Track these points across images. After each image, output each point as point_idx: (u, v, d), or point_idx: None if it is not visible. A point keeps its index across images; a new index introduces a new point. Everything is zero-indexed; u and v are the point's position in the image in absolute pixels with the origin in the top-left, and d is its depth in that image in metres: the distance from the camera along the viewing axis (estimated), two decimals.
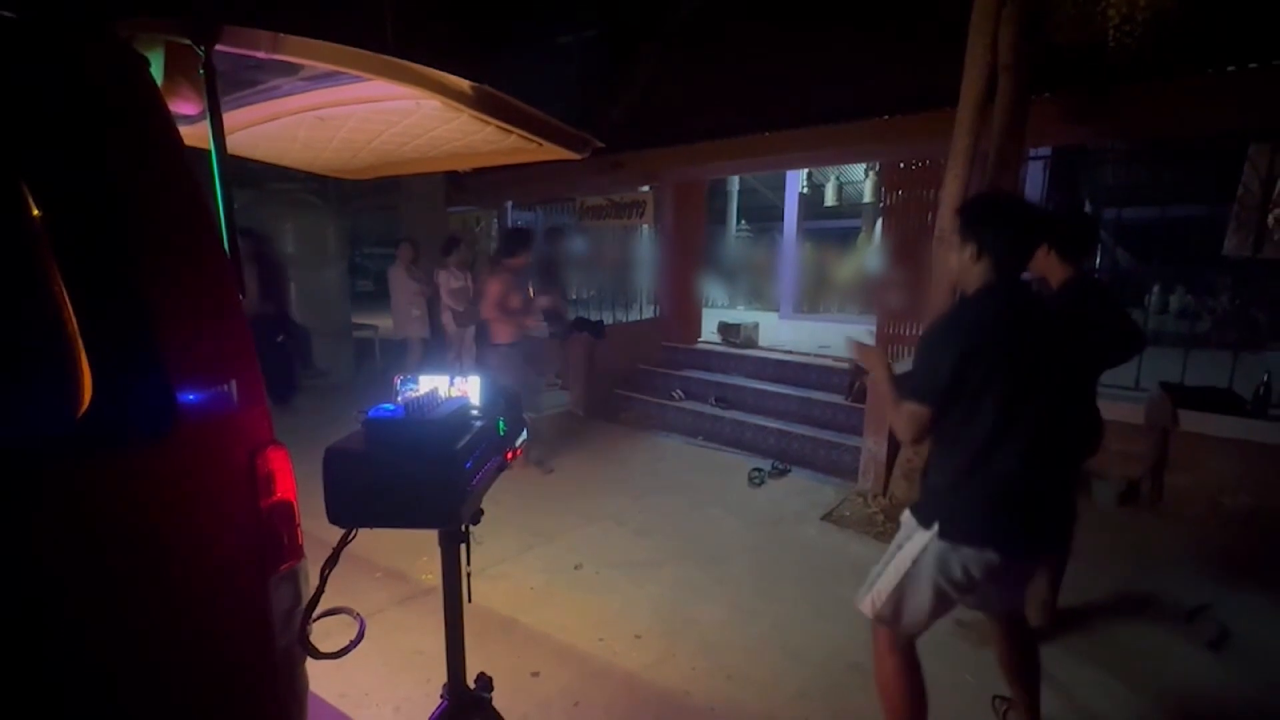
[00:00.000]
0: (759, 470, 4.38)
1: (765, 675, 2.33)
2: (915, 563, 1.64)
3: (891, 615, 1.69)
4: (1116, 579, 3.01)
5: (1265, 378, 3.63)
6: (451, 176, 7.48)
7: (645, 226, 7.17)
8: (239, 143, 2.26)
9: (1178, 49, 3.22)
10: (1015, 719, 2.00)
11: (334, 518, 1.00)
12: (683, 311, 6.62)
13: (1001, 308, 1.59)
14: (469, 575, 1.24)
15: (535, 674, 2.30)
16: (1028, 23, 2.98)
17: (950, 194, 3.24)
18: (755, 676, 2.33)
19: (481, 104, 1.74)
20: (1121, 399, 3.88)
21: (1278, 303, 6.07)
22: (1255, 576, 3.01)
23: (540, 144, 2.11)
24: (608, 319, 6.55)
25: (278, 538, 1.22)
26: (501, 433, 1.19)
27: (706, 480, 4.35)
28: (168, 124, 1.09)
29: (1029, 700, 1.88)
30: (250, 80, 1.85)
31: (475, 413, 1.14)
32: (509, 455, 1.22)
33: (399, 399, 1.09)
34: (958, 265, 1.67)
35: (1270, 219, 3.61)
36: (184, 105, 1.44)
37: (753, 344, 6.25)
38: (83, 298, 0.95)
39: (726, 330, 6.39)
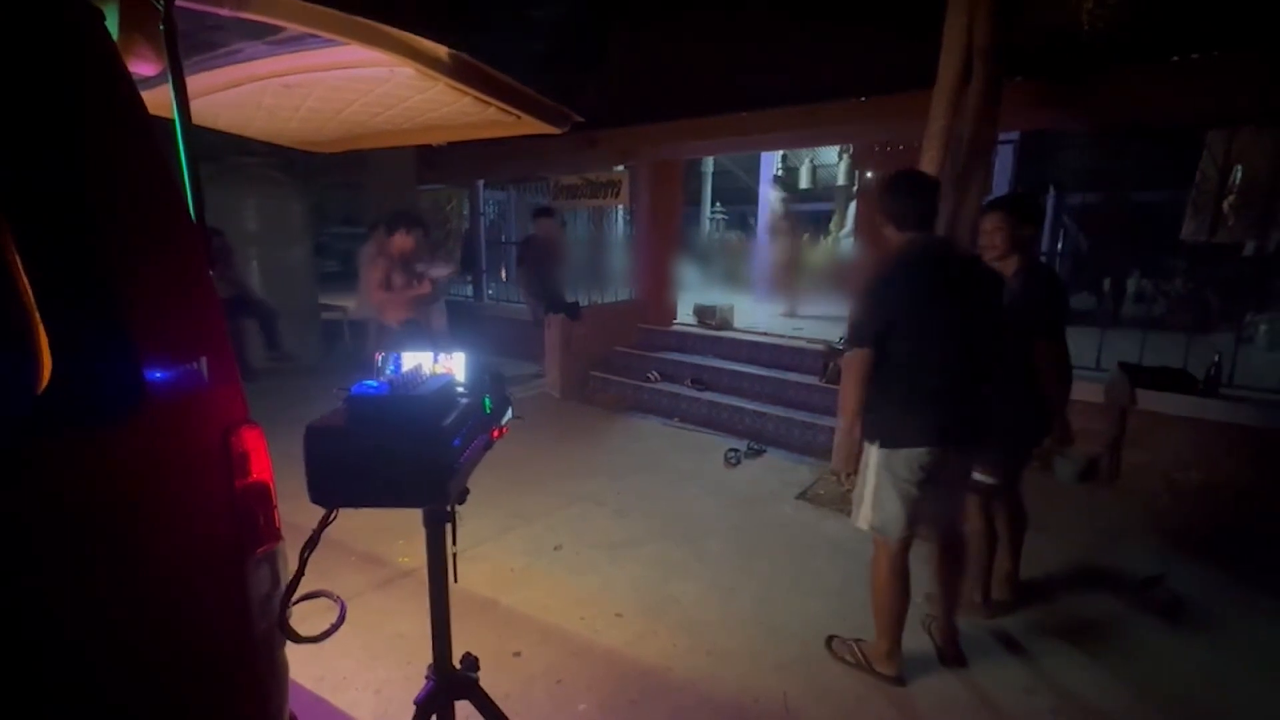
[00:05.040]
0: (735, 450, 4.42)
1: (745, 650, 2.37)
2: (876, 474, 2.08)
3: (881, 523, 2.10)
4: (1076, 552, 3.14)
5: (1216, 358, 3.78)
6: (422, 153, 7.27)
7: (620, 207, 7.10)
8: (198, 111, 2.13)
9: (1148, 35, 3.29)
10: (937, 627, 2.34)
11: (316, 498, 0.97)
12: (658, 293, 6.60)
13: (917, 262, 2.04)
14: (455, 555, 1.22)
15: (517, 653, 2.30)
16: (1004, 5, 3.00)
17: None
18: (735, 651, 2.36)
19: (458, 73, 1.69)
20: (1082, 378, 4.00)
21: (1229, 286, 6.33)
22: (1204, 548, 3.17)
23: (518, 117, 2.06)
24: (582, 300, 6.50)
25: (254, 520, 1.18)
26: (488, 410, 1.16)
27: (683, 461, 4.38)
28: (128, 83, 1.02)
29: (948, 606, 2.29)
30: (210, 42, 1.75)
31: (460, 390, 1.12)
32: (495, 433, 1.20)
33: (381, 376, 1.06)
34: (886, 234, 2.14)
35: (1225, 205, 3.74)
36: (140, 66, 1.35)
37: (728, 326, 6.27)
38: (39, 268, 0.89)
39: (702, 312, 6.40)
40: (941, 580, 2.28)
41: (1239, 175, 3.64)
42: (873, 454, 2.10)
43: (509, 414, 1.30)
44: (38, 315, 0.88)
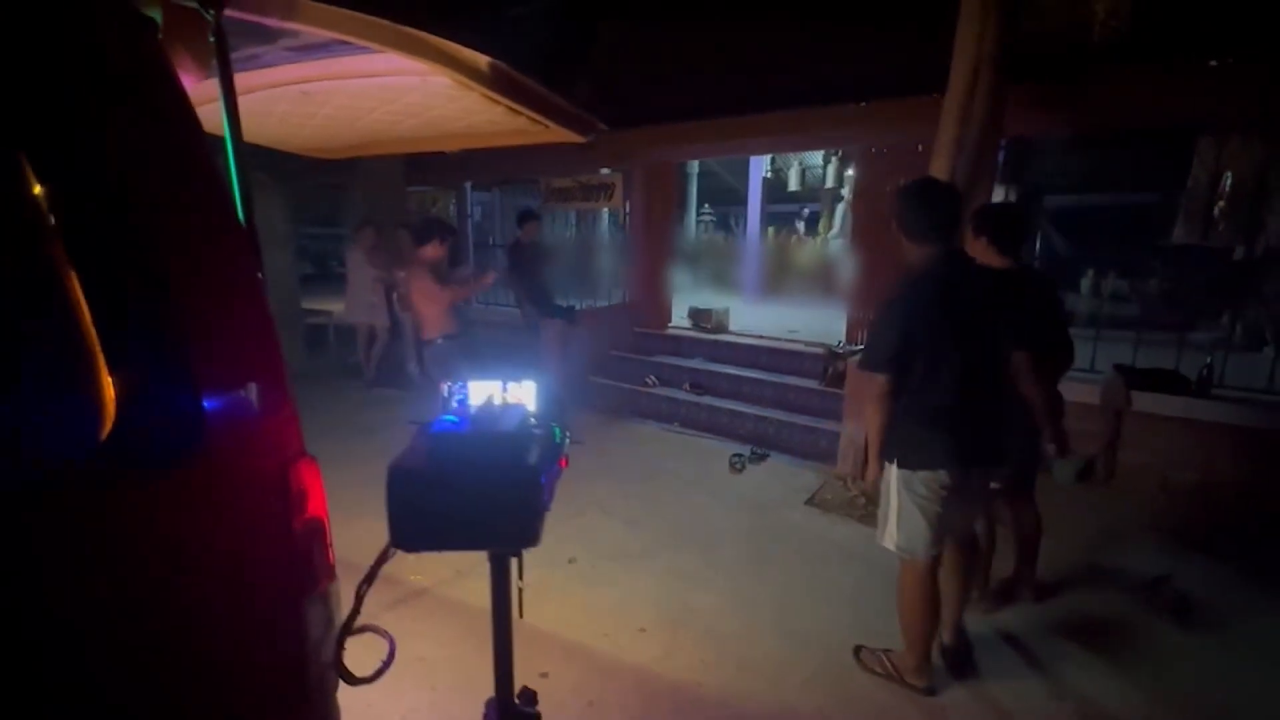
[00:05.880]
0: (739, 456, 4.41)
1: (772, 663, 2.36)
2: (898, 495, 2.04)
3: (907, 543, 2.06)
4: (1081, 553, 3.19)
5: (1209, 360, 3.89)
6: (410, 154, 7.12)
7: (609, 209, 7.05)
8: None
9: (1145, 41, 3.36)
10: (946, 631, 2.29)
11: (399, 542, 0.92)
12: (653, 296, 6.56)
13: (934, 280, 1.96)
14: (520, 591, 1.17)
15: (544, 674, 2.24)
16: (1012, 13, 3.03)
17: None
18: (763, 664, 2.35)
19: (495, 82, 1.63)
20: (1076, 379, 4.08)
21: (1206, 288, 6.50)
22: (1203, 547, 3.25)
23: (547, 126, 2.01)
24: (575, 304, 6.43)
25: (310, 559, 1.12)
26: (557, 440, 1.12)
27: (687, 467, 4.35)
28: (182, 96, 0.95)
29: (956, 611, 2.29)
30: None
31: (533, 421, 1.07)
32: (562, 463, 1.16)
33: (457, 409, 1.01)
34: (902, 247, 2.05)
35: (1216, 210, 3.84)
36: (183, 77, 1.27)
37: (724, 329, 6.27)
38: (97, 299, 0.82)
39: (697, 315, 6.39)
40: (950, 585, 2.25)
41: (1228, 181, 3.74)
42: (893, 474, 2.05)
43: (567, 441, 1.25)
44: (102, 357, 0.81)
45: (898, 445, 2.04)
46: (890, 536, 2.09)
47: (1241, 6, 3.27)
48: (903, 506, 2.03)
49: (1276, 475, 3.53)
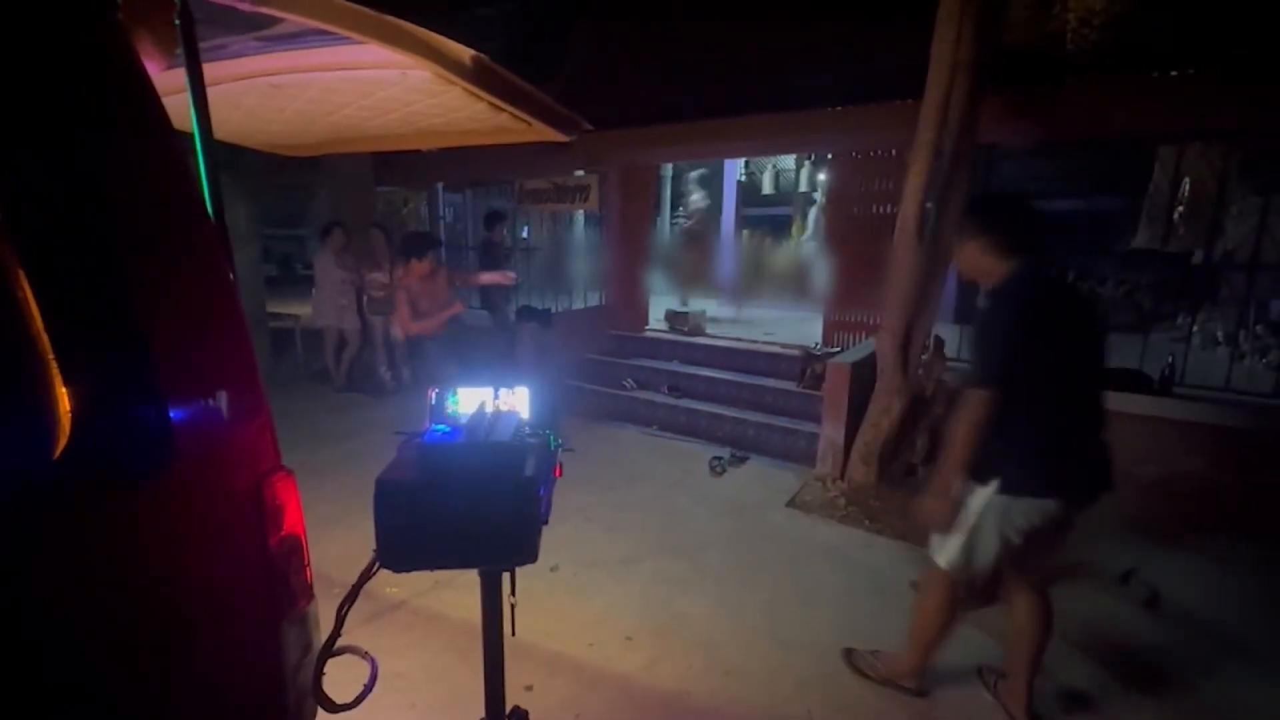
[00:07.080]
0: (719, 459, 4.39)
1: (762, 668, 2.33)
2: (983, 517, 1.86)
3: (965, 563, 1.93)
4: None
5: (1170, 360, 4.02)
6: (380, 154, 6.95)
7: (585, 211, 6.99)
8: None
9: (1119, 51, 3.46)
10: (1007, 690, 2.11)
11: (388, 561, 0.85)
12: (630, 299, 6.52)
13: (1038, 293, 1.83)
14: (514, 606, 1.12)
15: (529, 687, 2.18)
16: (989, 20, 3.09)
17: (913, 188, 3.33)
18: (752, 670, 2.32)
19: (480, 78, 1.57)
20: None
21: (1158, 289, 6.75)
22: (1169, 539, 3.35)
23: (529, 124, 1.95)
24: (550, 307, 6.37)
25: (288, 579, 1.05)
26: (552, 447, 1.07)
27: (668, 470, 4.32)
28: (146, 80, 0.88)
29: (1029, 670, 2.04)
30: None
31: (528, 429, 1.02)
32: (557, 471, 1.11)
33: (449, 418, 0.95)
34: (976, 261, 1.91)
35: (1175, 215, 3.97)
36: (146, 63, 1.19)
37: (701, 331, 6.26)
38: (51, 298, 0.74)
39: (674, 318, 6.37)
40: (1023, 646, 2.03)
41: (1187, 188, 3.87)
42: (984, 495, 1.86)
43: (561, 448, 1.20)
44: (55, 363, 0.74)
45: (1004, 469, 1.83)
46: (948, 556, 1.95)
47: (1205, 20, 3.38)
48: (983, 530, 1.86)
49: (1234, 469, 3.66)
